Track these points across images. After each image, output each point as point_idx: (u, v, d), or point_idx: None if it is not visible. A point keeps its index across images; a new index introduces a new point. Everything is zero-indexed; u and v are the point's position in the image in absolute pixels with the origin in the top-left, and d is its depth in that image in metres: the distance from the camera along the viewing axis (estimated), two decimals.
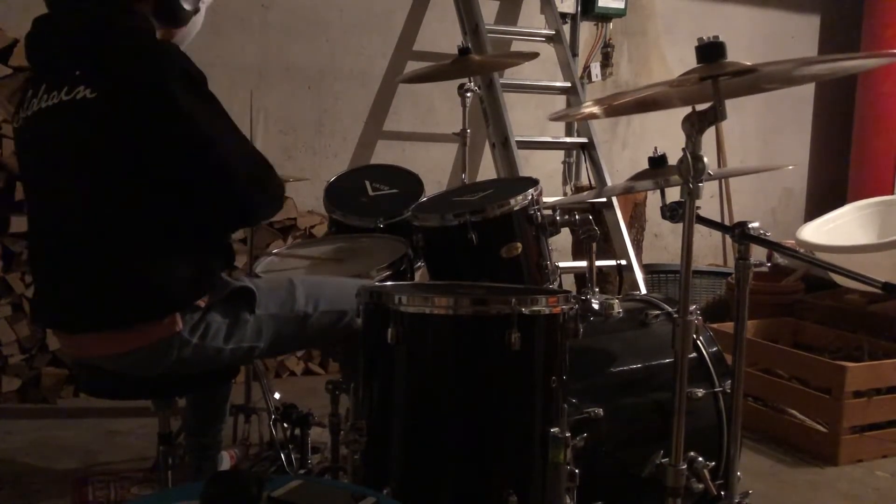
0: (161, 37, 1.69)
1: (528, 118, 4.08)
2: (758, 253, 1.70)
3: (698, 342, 1.91)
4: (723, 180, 4.52)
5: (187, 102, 1.52)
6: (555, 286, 2.10)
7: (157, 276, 1.56)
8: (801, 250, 3.26)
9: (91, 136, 1.53)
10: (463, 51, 2.55)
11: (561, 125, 4.21)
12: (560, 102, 3.94)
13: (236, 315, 1.66)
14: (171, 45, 1.61)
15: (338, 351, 2.10)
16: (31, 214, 1.72)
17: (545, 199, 2.08)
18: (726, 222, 4.22)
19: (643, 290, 3.24)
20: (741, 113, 4.72)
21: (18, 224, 2.93)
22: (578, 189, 4.13)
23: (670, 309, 1.95)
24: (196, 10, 1.73)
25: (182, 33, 1.74)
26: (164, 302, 1.57)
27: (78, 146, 1.55)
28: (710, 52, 1.44)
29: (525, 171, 3.48)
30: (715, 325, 2.89)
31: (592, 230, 1.99)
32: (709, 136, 2.68)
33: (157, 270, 1.56)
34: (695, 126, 1.46)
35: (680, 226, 1.54)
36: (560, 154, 4.26)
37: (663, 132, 4.27)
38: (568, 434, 1.49)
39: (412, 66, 3.86)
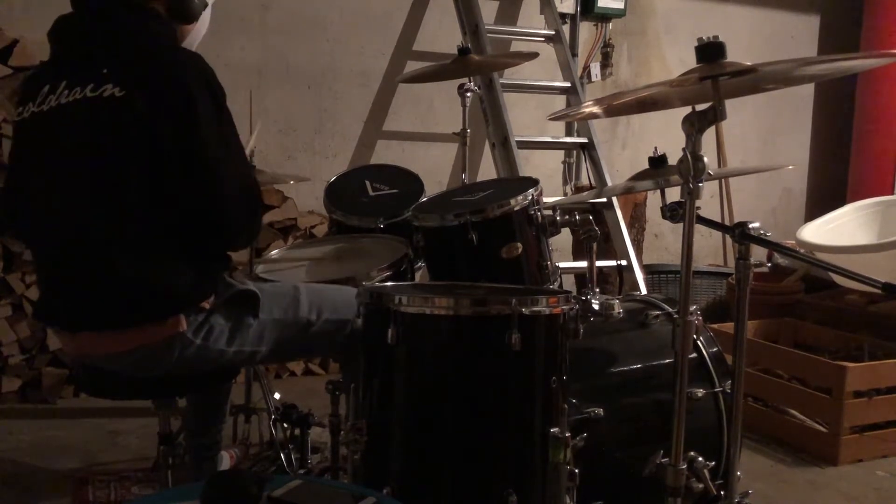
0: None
1: (528, 118, 4.08)
2: (758, 253, 1.70)
3: (698, 342, 1.91)
4: (723, 180, 4.52)
5: (203, 115, 1.53)
6: (555, 286, 2.10)
7: (162, 276, 1.57)
8: (801, 250, 3.26)
9: (111, 134, 1.54)
10: (463, 51, 2.55)
11: (561, 125, 4.21)
12: (560, 102, 3.94)
13: (239, 318, 1.66)
14: (197, 55, 1.62)
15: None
16: (31, 210, 1.70)
17: (545, 200, 2.08)
18: (726, 222, 4.22)
19: (643, 291, 3.24)
20: (741, 113, 4.72)
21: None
22: (578, 189, 4.13)
23: (670, 309, 1.95)
24: (205, 5, 1.74)
25: (192, 34, 1.75)
26: (168, 303, 1.57)
27: (95, 142, 1.55)
28: (710, 52, 1.44)
29: (525, 171, 3.48)
30: (715, 326, 2.89)
31: (592, 230, 1.99)
32: (709, 136, 2.68)
33: (162, 271, 1.57)
34: (695, 126, 1.46)
35: (680, 226, 1.54)
36: (560, 154, 4.27)
37: (663, 132, 4.26)
38: (568, 434, 1.49)
39: (412, 66, 3.86)
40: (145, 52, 1.58)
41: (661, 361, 1.88)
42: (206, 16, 1.79)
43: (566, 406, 1.54)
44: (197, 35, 1.78)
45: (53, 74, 1.63)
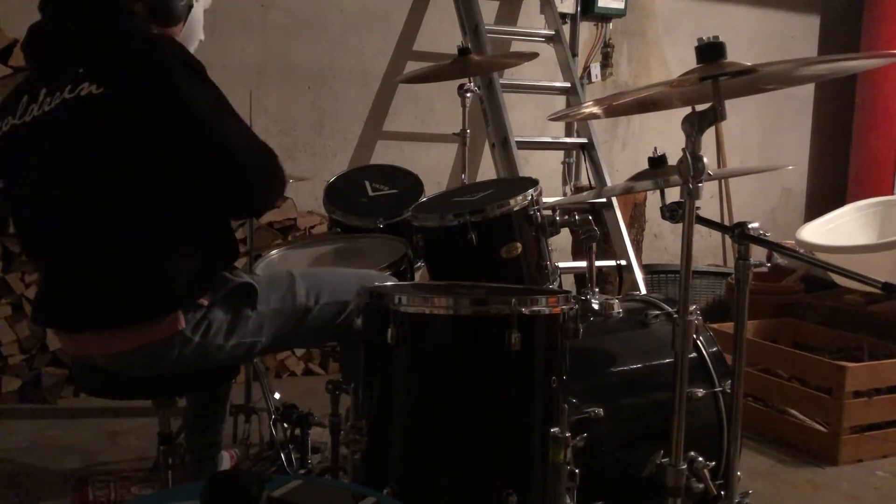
0: None
1: (528, 118, 4.08)
2: (758, 253, 1.71)
3: (698, 342, 1.91)
4: (723, 180, 4.52)
5: (189, 89, 1.52)
6: (555, 286, 2.10)
7: (160, 274, 1.56)
8: (801, 250, 3.26)
9: (96, 132, 1.53)
10: (463, 51, 2.55)
11: (561, 125, 4.21)
12: (560, 102, 3.94)
13: (238, 311, 1.65)
14: (169, 37, 1.62)
15: (338, 351, 2.10)
16: (26, 215, 1.70)
17: (545, 200, 2.08)
18: (726, 222, 4.22)
19: (643, 291, 3.24)
20: (741, 113, 4.72)
21: None
22: (578, 189, 4.13)
23: (670, 309, 1.95)
24: (190, 6, 1.73)
25: (179, 36, 1.74)
26: (166, 300, 1.57)
27: (82, 143, 1.54)
28: (710, 52, 1.44)
29: (525, 171, 3.48)
30: (715, 325, 2.89)
31: (592, 230, 1.99)
32: (709, 137, 2.68)
33: (159, 268, 1.56)
34: (695, 126, 1.46)
35: (680, 226, 1.54)
36: (560, 154, 4.27)
37: (663, 132, 4.27)
38: (568, 434, 1.49)
39: (412, 66, 3.86)
40: (118, 45, 1.57)
41: (661, 361, 1.88)
42: (196, 20, 1.78)
43: (566, 406, 1.54)
44: (186, 40, 1.76)
45: (32, 84, 1.62)
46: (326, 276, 1.81)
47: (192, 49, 1.78)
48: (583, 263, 2.17)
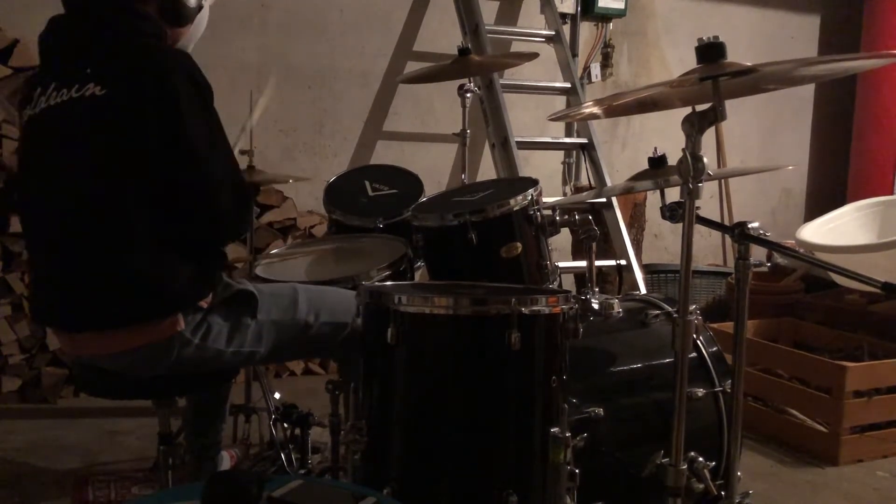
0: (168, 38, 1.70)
1: (528, 118, 4.08)
2: (758, 253, 1.71)
3: (698, 342, 1.91)
4: (723, 180, 4.52)
5: (188, 112, 1.54)
6: (555, 286, 2.10)
7: (160, 275, 1.57)
8: (801, 250, 3.25)
9: (96, 133, 1.54)
10: (463, 51, 2.55)
11: (561, 125, 4.21)
12: (560, 103, 3.94)
13: (238, 318, 1.66)
14: (182, 51, 1.62)
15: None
16: (29, 212, 1.71)
17: (545, 200, 2.08)
18: (726, 222, 4.22)
19: (643, 290, 3.24)
20: (741, 113, 4.72)
21: (18, 224, 2.93)
22: (578, 189, 4.13)
23: (670, 309, 1.95)
24: (200, 7, 1.74)
25: (187, 35, 1.75)
26: (166, 301, 1.57)
27: (83, 142, 1.56)
28: (710, 52, 1.44)
29: (525, 171, 3.48)
30: (715, 325, 2.88)
31: (592, 230, 1.99)
32: (709, 137, 2.68)
33: (159, 270, 1.57)
34: (695, 126, 1.46)
35: (680, 226, 1.54)
36: (560, 154, 4.27)
37: (663, 132, 4.26)
38: (568, 434, 1.49)
39: (412, 66, 3.86)
40: (127, 49, 1.58)
41: (661, 361, 1.88)
42: (202, 17, 1.79)
43: (566, 406, 1.54)
44: (192, 38, 1.78)
45: (44, 77, 1.64)
46: (328, 295, 1.81)
47: (194, 42, 1.79)
48: (583, 263, 2.17)
